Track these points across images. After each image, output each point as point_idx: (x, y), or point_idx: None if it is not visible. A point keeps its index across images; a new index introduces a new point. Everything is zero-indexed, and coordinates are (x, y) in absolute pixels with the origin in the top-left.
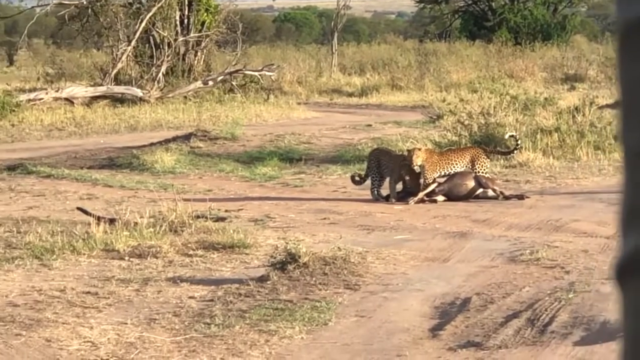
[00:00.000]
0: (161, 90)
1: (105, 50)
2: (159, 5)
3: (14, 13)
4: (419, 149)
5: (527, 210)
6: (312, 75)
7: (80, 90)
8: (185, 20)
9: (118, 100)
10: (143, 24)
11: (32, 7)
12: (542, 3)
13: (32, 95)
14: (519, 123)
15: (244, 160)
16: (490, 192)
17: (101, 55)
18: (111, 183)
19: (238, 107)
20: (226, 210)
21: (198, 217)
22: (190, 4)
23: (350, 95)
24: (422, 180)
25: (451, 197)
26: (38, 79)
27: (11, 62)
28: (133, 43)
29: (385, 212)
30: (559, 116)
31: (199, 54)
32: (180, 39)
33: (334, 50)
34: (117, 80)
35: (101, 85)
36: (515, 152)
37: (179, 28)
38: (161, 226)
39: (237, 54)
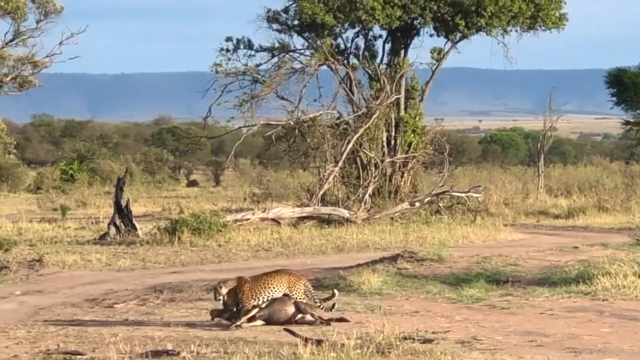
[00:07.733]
0: (368, 211)
1: (312, 171)
2: (367, 126)
3: (221, 133)
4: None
5: None
6: (518, 197)
7: (287, 210)
8: (392, 142)
9: (324, 221)
10: (350, 145)
11: (239, 127)
12: None
13: (238, 216)
14: None
15: (451, 281)
16: (309, 317)
17: (307, 176)
18: None
19: (445, 229)
20: (433, 332)
21: (405, 338)
22: (397, 125)
23: (557, 217)
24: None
25: (271, 322)
26: (244, 199)
27: (217, 182)
28: (340, 164)
29: (593, 334)
30: None
31: (405, 175)
32: (387, 160)
33: (540, 172)
34: (324, 201)
35: (308, 205)
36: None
37: (385, 149)
38: (368, 347)
39: (443, 175)
